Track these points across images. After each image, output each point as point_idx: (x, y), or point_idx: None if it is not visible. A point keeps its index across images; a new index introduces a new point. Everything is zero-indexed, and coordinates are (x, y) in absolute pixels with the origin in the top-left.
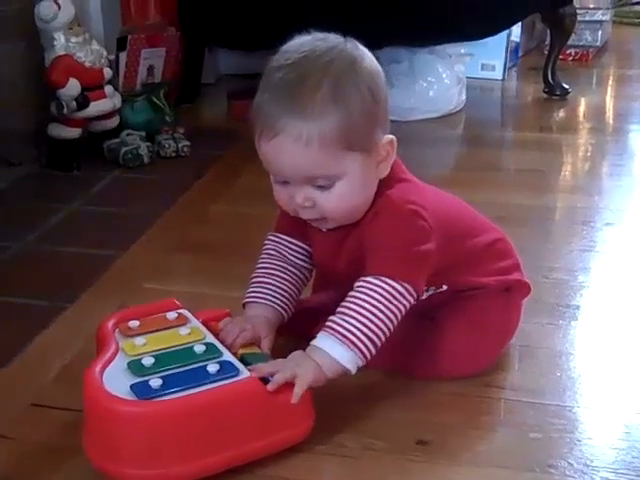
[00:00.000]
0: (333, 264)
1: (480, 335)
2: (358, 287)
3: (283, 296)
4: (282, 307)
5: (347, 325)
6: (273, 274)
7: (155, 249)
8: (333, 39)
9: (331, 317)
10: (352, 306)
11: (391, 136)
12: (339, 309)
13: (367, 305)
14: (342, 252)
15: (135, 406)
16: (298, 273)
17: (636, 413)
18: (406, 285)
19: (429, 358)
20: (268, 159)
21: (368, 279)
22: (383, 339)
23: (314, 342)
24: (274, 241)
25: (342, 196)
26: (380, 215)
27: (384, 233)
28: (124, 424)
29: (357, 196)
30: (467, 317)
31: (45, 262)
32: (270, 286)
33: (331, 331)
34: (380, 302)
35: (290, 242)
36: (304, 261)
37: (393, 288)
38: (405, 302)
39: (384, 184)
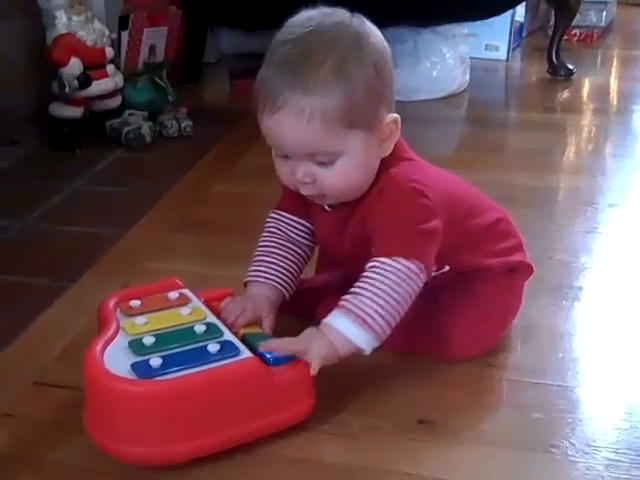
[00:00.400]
0: (337, 244)
1: (483, 317)
2: (371, 267)
3: (285, 275)
4: (283, 286)
5: (362, 305)
6: (274, 252)
7: (158, 228)
8: (340, 14)
9: (345, 297)
10: (367, 286)
11: (395, 115)
12: (353, 289)
13: (382, 285)
14: (345, 232)
15: (135, 385)
16: (300, 251)
17: (638, 394)
18: (418, 263)
19: (432, 339)
20: (270, 134)
21: (381, 259)
22: (399, 319)
23: (327, 320)
24: (276, 219)
25: (343, 173)
26: (383, 194)
27: (389, 212)
28: (124, 403)
29: (358, 174)
30: (470, 299)
31: (47, 241)
32: (271, 264)
33: (346, 311)
34: (394, 282)
35: (292, 220)
36: (306, 239)
37: (406, 267)
38: (418, 280)
39: (387, 163)
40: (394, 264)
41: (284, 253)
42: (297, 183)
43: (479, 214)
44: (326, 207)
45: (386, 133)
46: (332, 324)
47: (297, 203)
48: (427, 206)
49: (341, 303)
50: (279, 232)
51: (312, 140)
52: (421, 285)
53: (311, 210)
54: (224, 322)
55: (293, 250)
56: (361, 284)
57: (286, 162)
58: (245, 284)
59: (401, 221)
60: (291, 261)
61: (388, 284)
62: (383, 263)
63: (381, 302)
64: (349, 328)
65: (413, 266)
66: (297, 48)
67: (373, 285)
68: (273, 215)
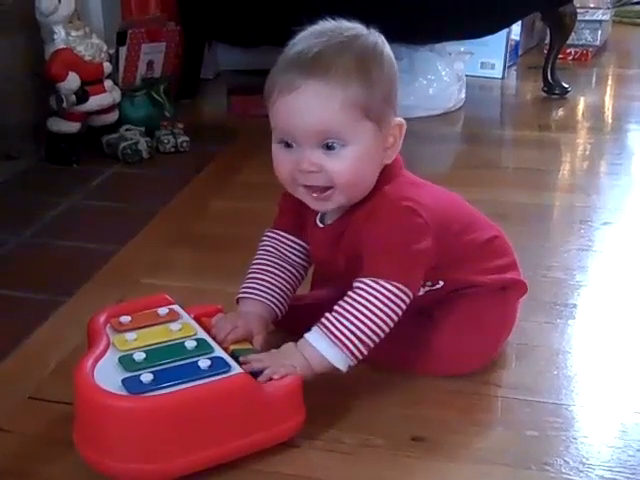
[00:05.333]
0: (331, 261)
1: (476, 334)
2: (355, 288)
3: (277, 293)
4: (276, 304)
5: (340, 326)
6: (268, 271)
7: (154, 244)
8: (356, 24)
9: (327, 315)
10: (347, 307)
11: (401, 119)
12: (335, 307)
13: (361, 307)
14: (339, 248)
15: (126, 401)
16: (294, 271)
17: (632, 412)
18: (401, 287)
19: (425, 356)
20: (282, 116)
21: (365, 281)
22: (377, 340)
23: (307, 336)
24: (271, 237)
25: (351, 162)
26: (376, 212)
27: (380, 232)
28: (115, 419)
29: (364, 167)
30: (463, 316)
31: (43, 256)
32: (264, 282)
33: (325, 330)
34: (375, 305)
35: (287, 239)
36: (301, 258)
37: (389, 291)
38: (401, 303)
39: (382, 178)
40: (379, 288)
41: (278, 272)
42: (300, 176)
43: (474, 231)
44: (319, 224)
45: (392, 138)
46: (309, 340)
47: (293, 222)
48: (419, 225)
49: (322, 320)
50: (274, 251)
51: (328, 118)
52: (404, 307)
53: (305, 228)
54: (214, 338)
55: (287, 269)
56: (343, 304)
57: (290, 152)
58: (237, 301)
59: (391, 242)
60: (285, 280)
61: (369, 308)
62: (368, 285)
63: (359, 324)
64: (324, 346)
65: (397, 291)
66: (316, 47)
67: (354, 307)
68: (269, 234)
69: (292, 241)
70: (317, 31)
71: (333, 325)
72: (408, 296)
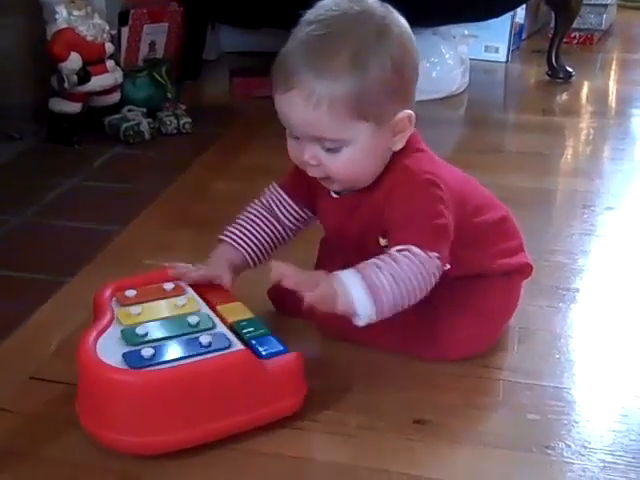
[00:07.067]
0: (343, 231)
1: (479, 318)
2: (397, 250)
3: (254, 244)
4: (249, 254)
5: (377, 279)
6: (253, 221)
7: (156, 225)
8: (367, 3)
9: (366, 262)
10: (389, 264)
11: (410, 111)
12: (374, 260)
13: (405, 268)
14: (353, 219)
15: (124, 375)
16: (280, 229)
17: (634, 396)
18: (437, 255)
19: (427, 339)
20: (281, 112)
21: (407, 246)
22: (405, 306)
23: (342, 274)
24: (271, 193)
25: (348, 162)
26: (400, 186)
27: (408, 205)
28: (114, 392)
29: (363, 165)
30: (466, 299)
31: (45, 236)
32: (245, 231)
33: (362, 274)
34: (418, 270)
35: (286, 201)
36: (292, 222)
37: (430, 257)
38: (437, 272)
39: (401, 154)
40: (422, 254)
41: (263, 224)
42: (305, 164)
43: (486, 211)
44: (333, 194)
45: (399, 127)
46: (343, 278)
47: (299, 188)
48: (441, 197)
49: (360, 266)
50: (268, 206)
51: (318, 125)
52: (437, 277)
53: (318, 196)
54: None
55: (274, 225)
56: (385, 260)
57: (296, 142)
58: (219, 241)
59: (420, 214)
60: (267, 234)
61: (414, 270)
62: (411, 250)
63: (400, 284)
64: (357, 290)
65: (436, 260)
66: (319, 31)
67: (396, 267)
68: (271, 189)
69: (289, 205)
70: (325, 13)
71: (373, 274)
72: (440, 267)
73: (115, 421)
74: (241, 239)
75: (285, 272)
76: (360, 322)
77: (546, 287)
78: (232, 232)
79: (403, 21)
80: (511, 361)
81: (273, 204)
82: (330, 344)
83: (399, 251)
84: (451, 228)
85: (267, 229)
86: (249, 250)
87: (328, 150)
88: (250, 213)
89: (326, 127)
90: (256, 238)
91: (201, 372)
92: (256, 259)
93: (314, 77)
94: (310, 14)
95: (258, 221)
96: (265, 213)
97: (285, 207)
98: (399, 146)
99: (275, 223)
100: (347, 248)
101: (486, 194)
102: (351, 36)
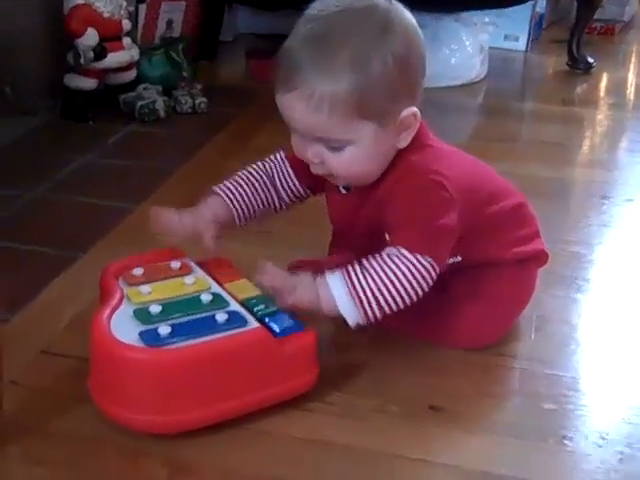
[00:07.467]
0: (350, 226)
1: (493, 307)
2: (389, 254)
3: (245, 202)
4: (237, 211)
5: (363, 282)
6: (250, 181)
7: (169, 203)
8: None
9: (355, 265)
10: (376, 266)
11: (415, 109)
12: (364, 261)
13: (389, 272)
14: (360, 215)
15: (145, 353)
16: (275, 199)
17: None
18: (432, 261)
19: (442, 327)
20: (283, 111)
21: (400, 249)
22: (394, 309)
23: (328, 277)
24: (277, 162)
25: (351, 161)
26: (403, 184)
27: (408, 205)
28: (133, 370)
29: (367, 163)
30: (480, 288)
31: (58, 212)
32: (239, 187)
33: (347, 279)
34: (403, 273)
35: (288, 174)
36: (288, 196)
37: (421, 264)
38: (428, 278)
39: (407, 149)
40: (411, 257)
41: (260, 190)
42: (308, 161)
43: (500, 200)
44: (341, 189)
45: (404, 125)
46: (328, 282)
47: (305, 166)
48: (445, 200)
49: (348, 268)
50: (270, 173)
51: (319, 126)
52: (430, 282)
53: (326, 188)
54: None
55: (270, 195)
56: (372, 262)
57: (300, 139)
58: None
59: (419, 216)
60: (261, 200)
61: (397, 274)
62: (401, 253)
63: (382, 288)
64: (340, 293)
65: (427, 264)
66: (322, 28)
67: (382, 269)
68: (277, 157)
69: (290, 178)
70: (328, 9)
71: (357, 278)
72: (435, 271)
73: (132, 400)
74: (235, 197)
75: (270, 273)
76: (351, 325)
77: (563, 277)
78: (227, 187)
79: (408, 15)
80: (526, 350)
81: (275, 173)
82: (342, 325)
83: (390, 253)
84: (454, 228)
85: (262, 195)
86: (239, 210)
87: (331, 149)
88: (250, 174)
89: (328, 128)
90: (249, 200)
91: (221, 350)
92: (243, 220)
93: (314, 78)
94: (312, 8)
95: (256, 184)
96: (265, 179)
97: (286, 180)
98: (404, 143)
99: (272, 191)
100: (356, 237)
101: (501, 182)
102: (353, 34)
